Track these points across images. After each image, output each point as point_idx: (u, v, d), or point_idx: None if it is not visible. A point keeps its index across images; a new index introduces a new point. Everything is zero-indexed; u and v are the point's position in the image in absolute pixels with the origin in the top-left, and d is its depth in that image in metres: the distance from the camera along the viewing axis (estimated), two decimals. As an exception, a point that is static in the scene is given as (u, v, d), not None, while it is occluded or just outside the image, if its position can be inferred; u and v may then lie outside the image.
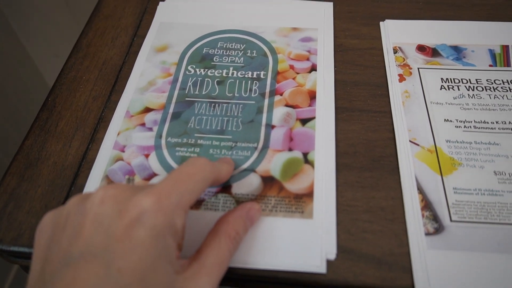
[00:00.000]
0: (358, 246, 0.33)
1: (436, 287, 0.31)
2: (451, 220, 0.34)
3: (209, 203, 0.34)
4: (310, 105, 0.41)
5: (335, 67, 0.44)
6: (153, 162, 0.37)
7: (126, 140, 0.38)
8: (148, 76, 0.43)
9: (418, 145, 0.38)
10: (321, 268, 0.31)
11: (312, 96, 0.42)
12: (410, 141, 0.38)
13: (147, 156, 0.37)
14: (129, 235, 0.24)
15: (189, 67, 0.44)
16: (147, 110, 0.41)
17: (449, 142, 0.38)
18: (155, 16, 0.50)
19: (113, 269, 0.22)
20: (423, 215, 0.34)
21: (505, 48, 0.46)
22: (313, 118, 0.40)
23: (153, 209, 0.24)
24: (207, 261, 0.27)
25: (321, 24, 0.49)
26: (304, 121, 0.40)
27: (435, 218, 0.34)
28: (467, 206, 0.34)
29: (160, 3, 0.52)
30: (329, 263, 0.32)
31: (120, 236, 0.23)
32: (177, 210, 0.25)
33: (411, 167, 0.37)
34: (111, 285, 0.22)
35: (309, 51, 0.46)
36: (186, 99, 0.42)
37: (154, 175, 0.36)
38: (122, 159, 0.37)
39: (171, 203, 0.25)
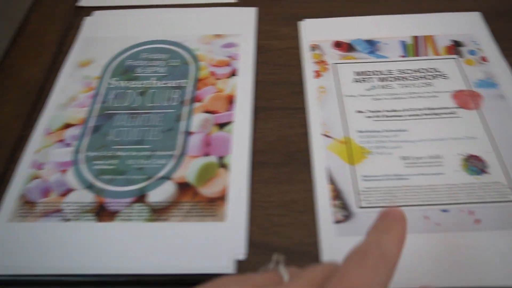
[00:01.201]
0: (270, 240, 0.34)
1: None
2: (360, 206, 0.35)
3: (124, 214, 0.35)
4: (228, 110, 0.42)
5: (256, 69, 0.46)
6: (70, 178, 0.37)
7: (44, 157, 0.39)
8: (69, 92, 0.44)
9: (331, 137, 0.39)
10: (229, 269, 0.32)
11: (231, 100, 0.43)
12: (323, 134, 0.40)
13: (64, 171, 0.38)
14: None
15: (111, 80, 0.45)
16: (67, 126, 0.41)
17: (360, 132, 0.40)
18: (81, 31, 0.51)
19: None
20: (333, 205, 0.35)
21: (416, 38, 0.48)
22: (231, 122, 0.41)
23: None
24: None
25: (243, 29, 0.50)
26: (222, 126, 0.41)
27: (344, 206, 0.35)
28: (375, 192, 0.36)
29: (86, 18, 0.52)
30: (241, 261, 0.33)
31: None
32: None
33: (323, 159, 0.38)
34: None
35: (230, 57, 0.47)
36: (107, 112, 0.42)
37: (70, 190, 0.37)
38: (39, 177, 0.38)
39: None
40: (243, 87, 0.44)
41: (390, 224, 0.22)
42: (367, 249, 0.20)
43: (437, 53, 0.46)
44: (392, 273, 0.20)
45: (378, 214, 0.23)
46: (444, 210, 0.35)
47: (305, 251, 0.33)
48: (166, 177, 0.37)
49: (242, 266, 0.32)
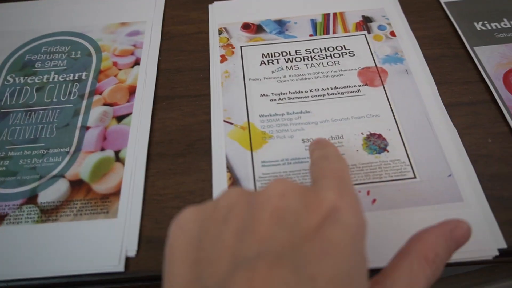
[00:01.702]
0: (164, 234, 0.33)
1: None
2: (256, 193, 0.34)
3: (13, 216, 0.34)
4: (128, 101, 0.40)
5: (159, 56, 0.44)
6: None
7: None
8: (-38, 93, 0.42)
9: (232, 124, 0.38)
10: (119, 267, 0.31)
11: (132, 91, 0.41)
12: (224, 120, 0.39)
13: None
14: (321, 235, 0.19)
15: (8, 77, 0.43)
16: (-44, 129, 0.39)
17: (263, 116, 0.39)
18: (-21, 28, 0.48)
19: (304, 276, 0.18)
20: (229, 193, 0.34)
21: (326, 16, 0.47)
22: (130, 113, 0.39)
23: (345, 206, 0.20)
24: None
25: (150, 15, 0.48)
26: (120, 118, 0.39)
27: (241, 194, 0.34)
28: (272, 177, 0.35)
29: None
30: (132, 258, 0.31)
31: (311, 235, 0.19)
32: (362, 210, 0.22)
33: (222, 147, 0.37)
34: None
35: (134, 45, 0.45)
36: (1, 111, 0.40)
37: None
38: None
39: (357, 201, 0.21)
40: (145, 77, 0.42)
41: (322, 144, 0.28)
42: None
43: (346, 30, 0.45)
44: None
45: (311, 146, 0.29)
46: (341, 191, 0.34)
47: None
48: (60, 175, 0.36)
49: (133, 263, 0.31)
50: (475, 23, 0.44)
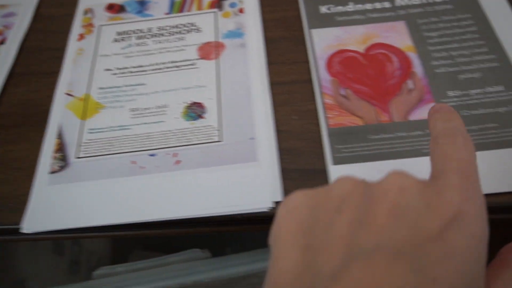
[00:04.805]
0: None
1: (49, 218, 0.35)
2: (77, 157, 0.38)
3: None
4: (-13, 77, 0.44)
5: (27, 37, 0.48)
6: None
7: None
8: None
9: (72, 96, 0.42)
10: None
11: (-8, 67, 0.45)
12: (65, 93, 0.42)
13: None
14: (444, 238, 0.18)
15: None
16: None
17: (102, 89, 0.42)
18: None
19: (425, 276, 0.17)
20: (54, 157, 0.38)
21: (184, -5, 0.49)
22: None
23: (472, 212, 0.19)
24: None
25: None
26: (-25, 92, 0.43)
27: (64, 158, 0.38)
28: (95, 143, 0.39)
29: None
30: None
31: (434, 237, 0.18)
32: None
33: (58, 117, 0.41)
34: None
35: (6, 26, 0.49)
36: None
37: None
38: None
39: (484, 205, 0.20)
40: (7, 55, 0.46)
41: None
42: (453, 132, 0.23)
43: (200, 9, 0.48)
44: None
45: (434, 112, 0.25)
46: (152, 155, 0.38)
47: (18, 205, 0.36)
48: None
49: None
50: (321, 6, 0.46)
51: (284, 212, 0.21)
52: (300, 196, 0.22)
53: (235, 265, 0.44)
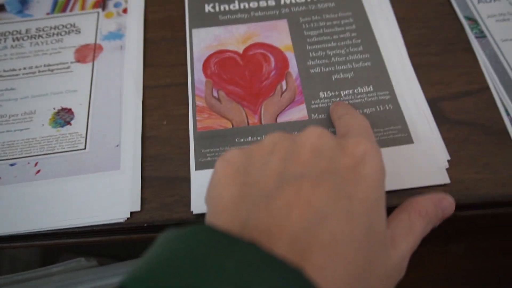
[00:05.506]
0: None
1: None
2: None
3: None
4: None
5: None
6: None
7: None
8: None
9: None
10: None
11: None
12: None
13: None
14: (355, 170, 0.23)
15: None
16: None
17: (-32, 95, 0.40)
18: None
19: (343, 194, 0.22)
20: None
21: (69, -6, 0.48)
22: None
23: (374, 152, 0.24)
24: (396, 231, 0.25)
25: None
26: None
27: None
28: (-47, 153, 0.37)
29: None
30: None
31: (347, 167, 0.23)
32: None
33: None
34: (341, 209, 0.21)
35: None
36: None
37: None
38: None
39: (380, 149, 0.25)
40: None
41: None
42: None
43: (84, 9, 0.46)
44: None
45: None
46: (12, 164, 0.36)
47: None
48: None
49: None
50: (206, 5, 0.45)
51: (221, 162, 0.25)
52: (235, 150, 0.25)
53: (122, 274, 0.43)
